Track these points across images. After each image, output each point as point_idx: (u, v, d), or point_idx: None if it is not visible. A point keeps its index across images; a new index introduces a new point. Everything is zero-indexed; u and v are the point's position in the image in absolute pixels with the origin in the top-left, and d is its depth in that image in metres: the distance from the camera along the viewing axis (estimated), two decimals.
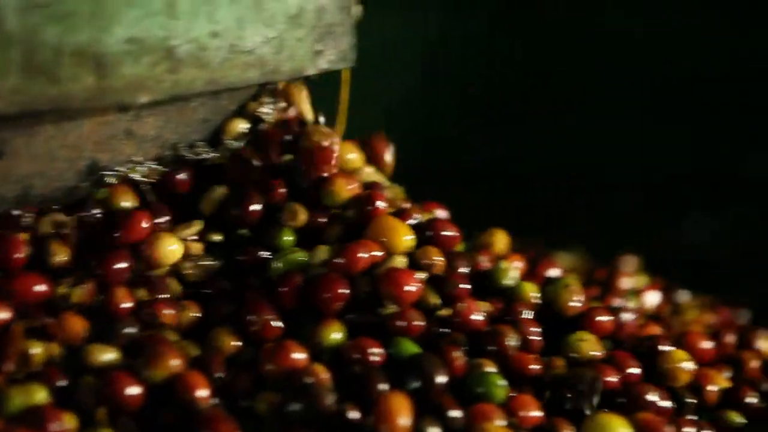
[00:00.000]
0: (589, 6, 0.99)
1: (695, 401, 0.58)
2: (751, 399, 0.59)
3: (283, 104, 0.64)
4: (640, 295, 0.76)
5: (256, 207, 0.60)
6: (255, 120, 0.64)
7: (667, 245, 0.94)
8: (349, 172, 0.65)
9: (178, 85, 0.57)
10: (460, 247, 0.65)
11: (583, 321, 0.61)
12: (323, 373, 0.52)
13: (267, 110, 0.64)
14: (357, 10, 0.65)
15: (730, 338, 0.68)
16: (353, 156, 0.65)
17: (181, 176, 0.60)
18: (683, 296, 0.80)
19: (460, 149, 1.02)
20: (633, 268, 0.86)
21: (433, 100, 1.05)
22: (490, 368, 0.56)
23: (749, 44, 0.89)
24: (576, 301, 0.61)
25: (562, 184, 1.00)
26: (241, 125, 0.64)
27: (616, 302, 0.71)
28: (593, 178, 1.00)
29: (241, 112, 0.64)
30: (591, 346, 0.60)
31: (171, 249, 0.57)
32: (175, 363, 0.50)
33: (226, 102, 0.63)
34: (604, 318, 0.61)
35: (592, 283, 0.77)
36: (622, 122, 0.99)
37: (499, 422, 0.53)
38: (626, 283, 0.77)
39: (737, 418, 0.58)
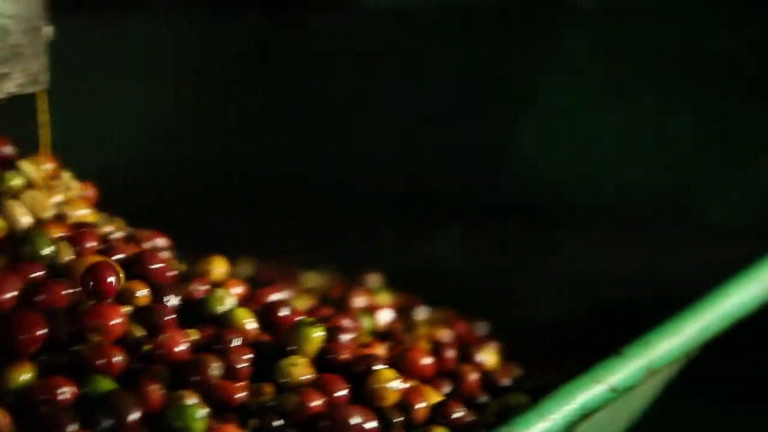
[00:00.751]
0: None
1: (402, 419, 0.59)
2: (458, 414, 0.60)
3: None
4: (374, 313, 0.77)
5: None
6: None
7: (419, 261, 0.96)
8: (58, 215, 0.63)
9: None
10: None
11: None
12: (2, 418, 0.50)
13: None
14: (48, 31, 0.63)
15: (451, 353, 0.69)
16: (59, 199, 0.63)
17: None
18: (421, 313, 0.81)
19: (209, 168, 1.01)
20: (374, 286, 0.86)
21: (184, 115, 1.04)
22: (190, 400, 0.55)
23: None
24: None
25: (313, 201, 1.00)
26: None
27: (344, 322, 0.71)
28: (346, 194, 1.01)
29: None
30: (302, 370, 0.60)
31: None
32: None
33: None
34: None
35: (326, 303, 0.78)
36: (381, 136, 1.00)
37: None
38: (359, 302, 0.77)
39: None
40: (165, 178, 0.98)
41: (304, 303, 0.75)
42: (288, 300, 0.68)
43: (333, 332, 0.63)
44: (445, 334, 0.76)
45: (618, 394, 0.59)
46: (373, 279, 0.87)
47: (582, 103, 0.85)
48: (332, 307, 0.76)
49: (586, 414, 0.57)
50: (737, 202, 0.78)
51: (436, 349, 0.70)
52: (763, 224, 0.77)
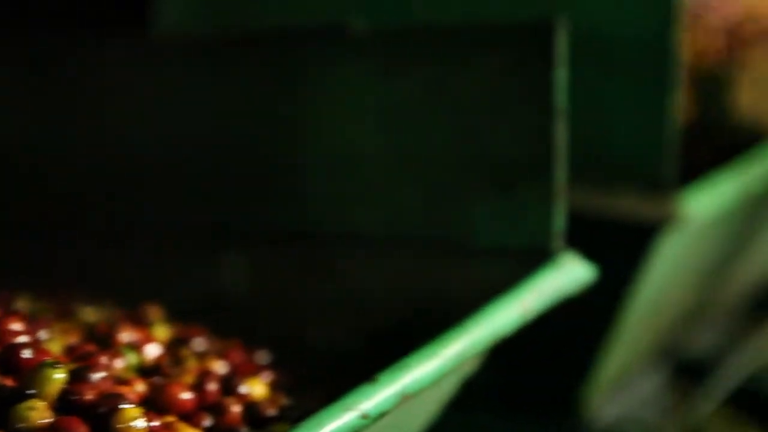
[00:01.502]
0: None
1: None
2: None
3: None
4: (141, 347, 0.74)
5: None
6: None
7: (206, 291, 0.93)
8: None
9: None
10: None
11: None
12: None
13: None
14: None
15: (213, 386, 0.67)
16: None
17: None
18: (197, 344, 0.78)
19: None
20: (152, 318, 0.84)
21: None
22: None
23: None
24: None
25: (97, 232, 0.97)
26: None
27: (100, 360, 0.68)
28: (133, 225, 0.98)
29: None
30: (40, 414, 0.57)
31: None
32: None
33: None
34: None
35: (92, 339, 0.75)
36: (163, 166, 0.97)
37: None
38: (126, 336, 0.75)
39: None
40: None
41: (64, 341, 0.72)
42: (35, 341, 0.65)
43: (82, 372, 0.61)
44: (217, 366, 0.74)
45: (370, 420, 0.58)
46: (152, 311, 0.84)
47: (354, 128, 0.85)
48: (96, 343, 0.73)
49: None
50: (501, 224, 0.78)
51: (198, 382, 0.68)
52: (526, 245, 0.77)
